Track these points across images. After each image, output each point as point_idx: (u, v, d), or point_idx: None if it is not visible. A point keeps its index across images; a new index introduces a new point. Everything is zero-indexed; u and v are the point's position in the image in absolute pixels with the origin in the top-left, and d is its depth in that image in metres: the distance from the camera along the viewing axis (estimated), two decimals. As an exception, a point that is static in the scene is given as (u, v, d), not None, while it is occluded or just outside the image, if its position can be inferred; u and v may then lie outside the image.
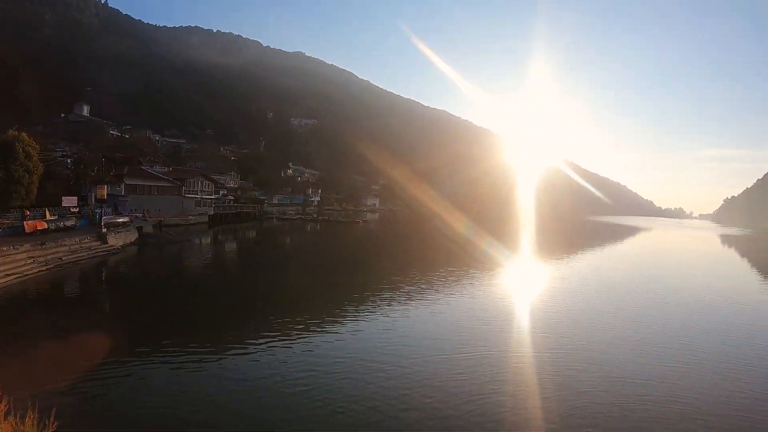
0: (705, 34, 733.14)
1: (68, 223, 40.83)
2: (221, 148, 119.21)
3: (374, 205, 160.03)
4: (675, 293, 40.00)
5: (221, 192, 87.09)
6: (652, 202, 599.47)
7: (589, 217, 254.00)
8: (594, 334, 24.32)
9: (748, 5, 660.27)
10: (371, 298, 28.52)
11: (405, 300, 28.87)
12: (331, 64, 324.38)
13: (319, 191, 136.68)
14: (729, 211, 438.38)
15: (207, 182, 79.80)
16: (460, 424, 13.50)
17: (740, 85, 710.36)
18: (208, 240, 58.27)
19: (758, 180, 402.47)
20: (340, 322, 22.86)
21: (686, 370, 20.00)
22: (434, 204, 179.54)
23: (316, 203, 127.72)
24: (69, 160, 58.71)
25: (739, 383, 18.69)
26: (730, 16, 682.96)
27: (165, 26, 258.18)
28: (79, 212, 46.13)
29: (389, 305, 27.20)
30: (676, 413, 15.51)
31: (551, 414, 14.57)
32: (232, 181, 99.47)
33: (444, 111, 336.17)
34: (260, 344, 18.60)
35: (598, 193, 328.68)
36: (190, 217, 65.89)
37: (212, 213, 72.97)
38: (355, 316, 24.21)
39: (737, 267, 72.16)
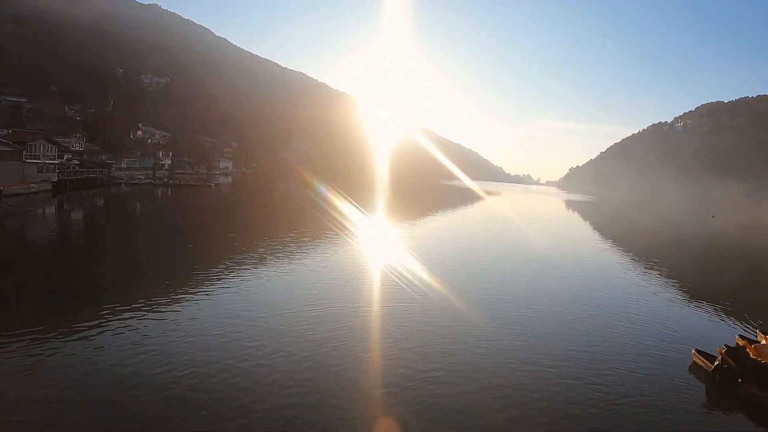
0: (558, 18, 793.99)
1: None
2: (66, 108, 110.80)
3: (227, 167, 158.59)
4: (520, 250, 43.32)
5: (66, 156, 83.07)
6: (502, 168, 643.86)
7: (443, 181, 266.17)
8: (441, 288, 25.33)
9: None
10: (224, 261, 28.13)
11: (257, 261, 29.06)
12: (188, 19, 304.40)
13: (170, 154, 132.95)
14: (573, 179, 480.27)
15: (50, 146, 75.55)
16: (306, 375, 14.17)
17: (588, 66, 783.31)
18: (53, 209, 55.84)
19: (601, 152, 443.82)
20: (192, 286, 22.64)
21: (528, 318, 22.00)
22: (288, 166, 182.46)
23: (167, 167, 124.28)
24: None
25: (575, 333, 20.55)
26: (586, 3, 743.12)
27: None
28: None
29: (242, 267, 27.22)
30: (514, 360, 16.83)
31: (392, 361, 15.55)
32: (77, 144, 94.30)
33: (301, 73, 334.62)
34: (111, 314, 17.98)
35: (449, 161, 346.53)
36: (32, 184, 63.20)
37: (56, 179, 69.87)
38: (208, 280, 23.97)
39: (580, 229, 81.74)
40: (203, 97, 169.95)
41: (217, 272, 25.70)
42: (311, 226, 46.75)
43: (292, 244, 35.82)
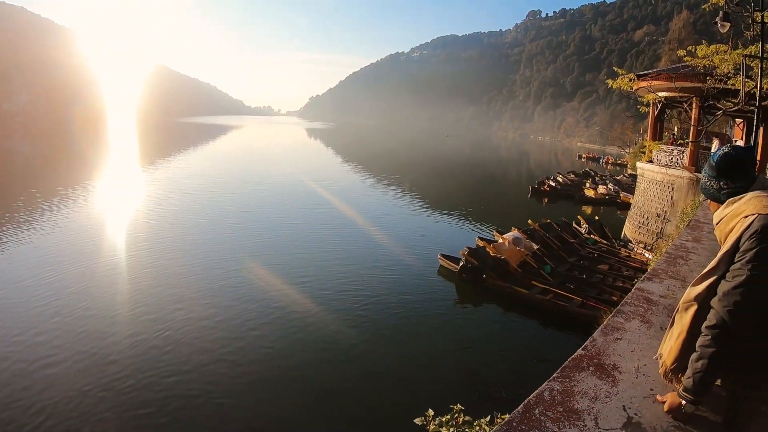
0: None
1: None
2: None
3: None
4: (266, 180, 42.24)
5: None
6: (242, 101, 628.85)
7: (181, 119, 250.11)
8: (181, 226, 24.06)
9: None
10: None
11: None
12: None
13: None
14: (314, 108, 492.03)
15: None
16: (56, 334, 12.50)
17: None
18: None
19: (340, 81, 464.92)
20: None
21: (276, 240, 21.29)
22: (10, 120, 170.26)
23: None
24: None
25: (326, 249, 20.16)
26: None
27: None
28: None
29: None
30: (253, 280, 16.15)
31: (137, 309, 14.13)
32: None
33: (21, 8, 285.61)
34: None
35: (187, 98, 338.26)
36: None
37: None
38: None
39: (323, 155, 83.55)
40: None
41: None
42: (43, 185, 38.84)
43: (22, 209, 29.93)
